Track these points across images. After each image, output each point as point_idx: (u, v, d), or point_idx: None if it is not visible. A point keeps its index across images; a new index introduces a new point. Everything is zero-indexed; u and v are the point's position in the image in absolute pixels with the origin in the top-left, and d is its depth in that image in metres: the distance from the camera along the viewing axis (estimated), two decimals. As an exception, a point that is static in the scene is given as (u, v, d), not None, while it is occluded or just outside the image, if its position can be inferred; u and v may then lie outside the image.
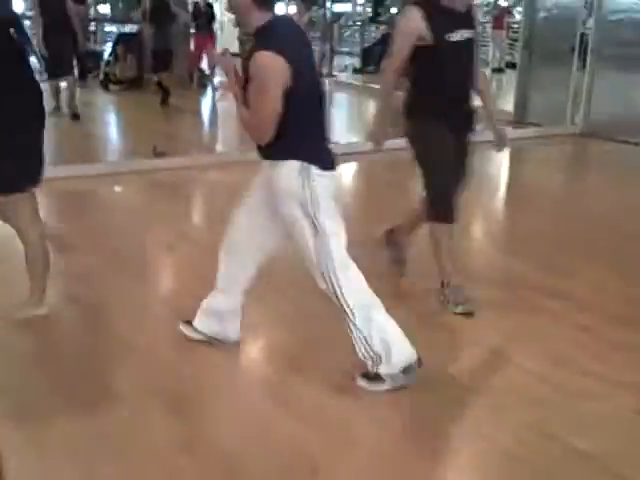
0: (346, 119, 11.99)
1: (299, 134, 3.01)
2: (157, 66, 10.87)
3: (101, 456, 2.74)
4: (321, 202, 3.04)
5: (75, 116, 9.64)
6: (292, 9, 13.66)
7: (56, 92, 9.77)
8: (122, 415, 3.01)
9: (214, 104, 12.91)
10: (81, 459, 2.73)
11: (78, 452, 2.76)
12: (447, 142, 3.84)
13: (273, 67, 2.84)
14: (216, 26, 13.82)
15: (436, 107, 3.82)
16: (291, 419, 3.03)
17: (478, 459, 2.88)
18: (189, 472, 2.68)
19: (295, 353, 3.60)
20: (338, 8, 18.25)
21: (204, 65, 13.26)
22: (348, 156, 7.90)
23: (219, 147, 9.23)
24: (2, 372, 3.33)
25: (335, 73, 15.68)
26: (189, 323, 3.61)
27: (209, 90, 13.06)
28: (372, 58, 16.42)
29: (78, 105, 9.76)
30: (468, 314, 3.96)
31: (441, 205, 3.95)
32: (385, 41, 16.49)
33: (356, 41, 18.51)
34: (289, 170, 3.03)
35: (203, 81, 13.17)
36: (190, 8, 13.32)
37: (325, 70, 15.00)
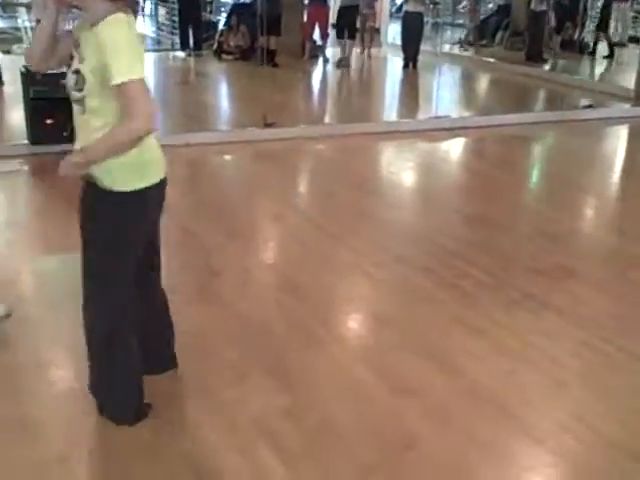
0: (457, 93, 11.76)
1: None
2: (267, 31, 10.84)
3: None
4: None
5: None
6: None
7: None
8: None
9: (325, 76, 12.92)
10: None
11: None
12: None
13: None
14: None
15: None
16: (390, 390, 3.05)
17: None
18: (293, 436, 2.74)
19: (396, 327, 3.62)
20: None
21: (316, 36, 13.26)
22: (459, 130, 7.81)
23: (327, 119, 9.25)
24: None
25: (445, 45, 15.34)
26: None
27: (320, 61, 13.08)
28: (487, 31, 16.00)
29: None
30: None
31: None
32: (500, 13, 16.08)
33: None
34: None
35: (315, 52, 13.18)
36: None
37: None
